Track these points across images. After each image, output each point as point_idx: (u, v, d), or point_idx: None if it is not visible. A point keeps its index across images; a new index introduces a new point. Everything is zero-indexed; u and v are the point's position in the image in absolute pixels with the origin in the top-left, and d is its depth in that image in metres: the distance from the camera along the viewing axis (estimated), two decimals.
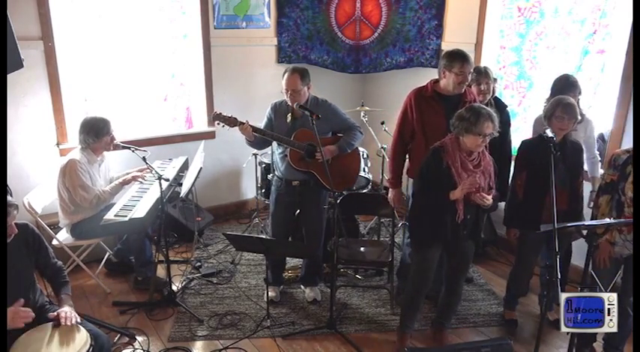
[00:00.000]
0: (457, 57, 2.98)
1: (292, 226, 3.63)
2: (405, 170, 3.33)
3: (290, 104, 3.22)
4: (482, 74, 3.27)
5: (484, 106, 2.71)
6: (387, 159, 3.47)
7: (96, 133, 3.44)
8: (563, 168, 2.87)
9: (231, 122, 3.22)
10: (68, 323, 2.29)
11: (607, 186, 2.76)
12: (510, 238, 3.19)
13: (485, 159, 2.78)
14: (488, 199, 2.68)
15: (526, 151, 3.07)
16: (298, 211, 3.55)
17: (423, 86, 3.17)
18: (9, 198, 2.26)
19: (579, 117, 2.93)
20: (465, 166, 2.69)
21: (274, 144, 3.43)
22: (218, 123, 3.25)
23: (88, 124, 3.45)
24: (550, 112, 2.92)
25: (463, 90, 3.08)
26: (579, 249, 3.16)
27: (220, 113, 3.26)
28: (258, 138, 3.29)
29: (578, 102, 3.21)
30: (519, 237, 3.15)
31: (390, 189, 3.34)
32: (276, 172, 3.50)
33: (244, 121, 3.21)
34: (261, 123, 3.38)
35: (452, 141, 2.71)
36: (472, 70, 3.06)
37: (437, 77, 3.14)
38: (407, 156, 3.31)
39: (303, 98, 3.21)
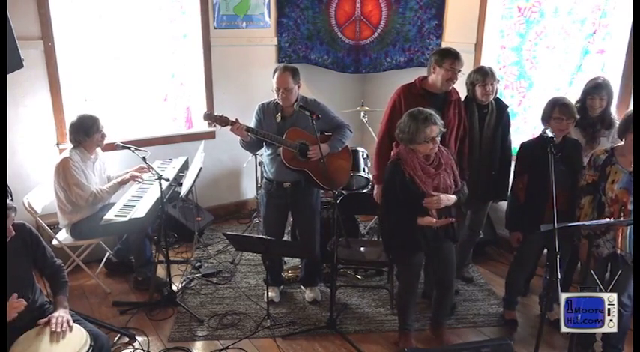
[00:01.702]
0: (449, 54, 2.99)
1: (284, 228, 3.61)
2: None
3: (280, 103, 3.21)
4: (489, 75, 3.26)
5: (423, 110, 2.69)
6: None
7: (86, 132, 3.45)
8: (563, 169, 2.86)
9: (222, 121, 3.19)
10: (58, 329, 2.28)
11: (588, 186, 2.76)
12: (514, 242, 3.16)
13: (444, 155, 2.79)
14: (450, 198, 2.73)
15: (527, 153, 3.05)
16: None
17: (412, 83, 3.17)
18: (8, 201, 2.26)
19: (577, 116, 2.90)
20: (426, 171, 2.70)
21: (264, 145, 3.42)
22: (210, 124, 3.24)
23: (77, 123, 3.46)
24: (547, 114, 2.91)
25: (450, 88, 3.09)
26: None
27: (211, 113, 3.26)
28: (254, 140, 3.27)
29: (608, 107, 3.14)
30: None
31: (376, 186, 3.34)
32: (264, 174, 3.48)
33: (234, 119, 3.19)
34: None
35: (406, 150, 2.71)
36: (461, 69, 3.05)
37: (426, 74, 3.15)
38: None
39: (294, 97, 3.20)
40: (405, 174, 2.68)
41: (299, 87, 3.23)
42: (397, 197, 2.72)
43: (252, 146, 3.37)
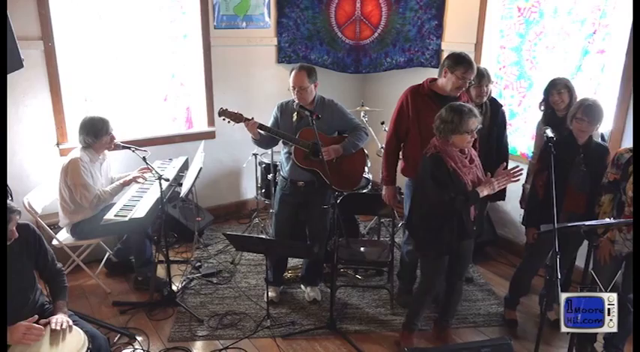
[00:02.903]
0: (463, 61, 2.95)
1: (294, 226, 3.62)
2: (399, 168, 3.33)
3: (297, 102, 3.22)
4: (485, 77, 3.29)
5: (463, 103, 2.70)
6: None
7: (95, 133, 3.44)
8: (584, 170, 2.85)
9: (237, 118, 3.23)
10: (58, 327, 2.28)
11: (609, 184, 2.75)
12: (529, 238, 3.14)
13: (472, 152, 2.80)
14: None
15: (549, 151, 3.03)
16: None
17: (420, 84, 3.16)
18: (12, 203, 2.26)
19: (601, 121, 2.86)
20: (464, 164, 2.71)
21: (280, 144, 3.44)
22: (224, 119, 3.26)
23: (87, 124, 3.45)
24: (572, 114, 2.89)
25: (458, 94, 3.08)
26: (580, 249, 3.16)
27: (226, 109, 3.27)
28: (265, 137, 3.29)
29: (572, 101, 3.22)
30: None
31: (384, 187, 3.34)
32: (281, 172, 3.50)
33: (250, 117, 3.22)
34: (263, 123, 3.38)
35: (444, 143, 2.70)
36: (472, 79, 3.04)
37: (434, 76, 3.14)
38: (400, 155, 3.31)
39: (310, 96, 3.21)
40: (448, 167, 2.67)
41: (316, 86, 3.24)
42: (449, 187, 2.68)
43: (262, 143, 3.39)
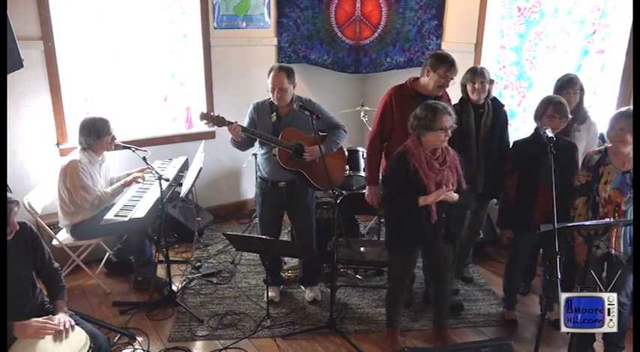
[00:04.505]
0: (445, 60, 2.99)
1: (280, 227, 3.61)
2: (382, 167, 3.33)
3: (276, 103, 3.21)
4: (478, 74, 3.27)
5: (438, 102, 2.71)
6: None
7: (97, 134, 3.44)
8: (556, 168, 2.87)
9: (219, 121, 3.18)
10: (61, 328, 2.28)
11: (582, 187, 2.78)
12: (504, 240, 3.18)
13: (450, 154, 2.80)
14: (453, 196, 2.73)
15: (519, 151, 3.06)
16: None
17: (402, 84, 3.18)
18: (9, 194, 2.26)
19: (570, 116, 2.91)
20: (431, 166, 2.70)
21: (256, 145, 3.41)
22: (206, 123, 3.24)
23: (88, 125, 3.44)
24: (541, 112, 2.91)
25: (440, 93, 3.09)
26: None
27: (207, 113, 3.25)
28: (245, 139, 3.26)
29: (581, 101, 3.22)
30: (512, 237, 3.15)
31: (368, 187, 3.35)
32: (259, 173, 3.48)
33: (233, 121, 3.19)
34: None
35: (414, 143, 2.72)
36: (455, 78, 3.05)
37: (417, 76, 3.15)
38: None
39: (289, 97, 3.20)
40: (410, 166, 2.68)
41: (294, 86, 3.23)
42: (401, 187, 2.71)
43: (242, 145, 3.35)
